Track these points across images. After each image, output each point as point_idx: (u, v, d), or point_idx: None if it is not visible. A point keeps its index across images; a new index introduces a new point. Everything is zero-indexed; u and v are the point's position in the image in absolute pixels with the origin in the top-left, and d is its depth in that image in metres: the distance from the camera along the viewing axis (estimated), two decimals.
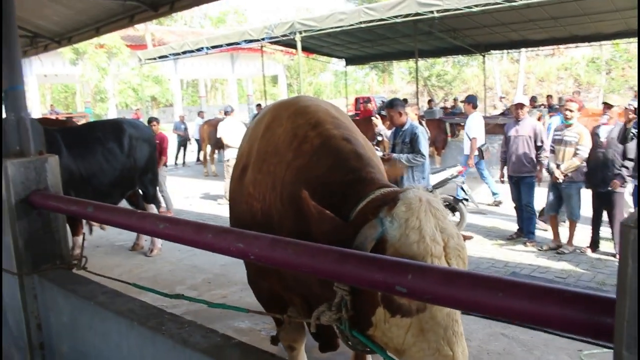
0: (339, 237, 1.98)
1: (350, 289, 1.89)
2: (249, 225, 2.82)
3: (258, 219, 2.78)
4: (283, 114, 2.93)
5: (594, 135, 6.71)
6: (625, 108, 6.64)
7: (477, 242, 7.29)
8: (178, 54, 16.68)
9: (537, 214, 7.50)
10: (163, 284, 5.94)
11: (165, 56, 17.40)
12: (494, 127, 13.40)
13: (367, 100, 29.90)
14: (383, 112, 10.90)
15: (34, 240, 3.18)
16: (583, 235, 7.31)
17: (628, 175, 6.37)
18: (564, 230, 7.06)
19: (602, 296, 1.12)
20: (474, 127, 9.61)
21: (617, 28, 15.80)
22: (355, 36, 16.67)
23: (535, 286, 1.20)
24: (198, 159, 18.26)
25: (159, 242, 7.26)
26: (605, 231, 6.83)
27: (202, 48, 15.63)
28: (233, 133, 10.47)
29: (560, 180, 6.79)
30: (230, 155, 10.44)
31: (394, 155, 6.30)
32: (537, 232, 7.26)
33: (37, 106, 30.10)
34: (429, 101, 22.14)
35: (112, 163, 6.50)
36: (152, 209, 7.56)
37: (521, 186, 7.21)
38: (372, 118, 8.22)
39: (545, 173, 7.27)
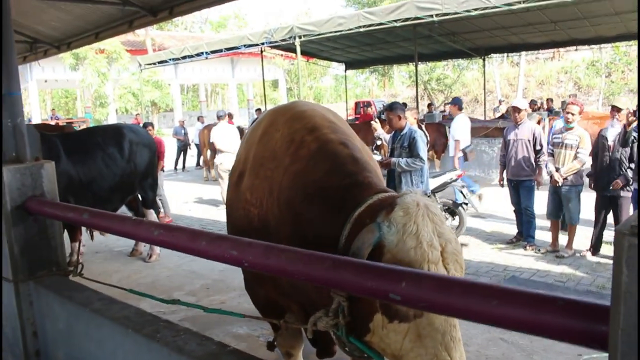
0: (343, 252, 2.00)
1: (348, 295, 1.89)
2: (246, 230, 2.81)
3: (255, 225, 2.77)
4: (280, 120, 2.93)
5: (602, 137, 6.67)
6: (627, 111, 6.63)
7: (476, 246, 7.27)
8: (178, 59, 16.71)
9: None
10: (161, 289, 5.92)
11: (165, 61, 17.43)
12: (493, 131, 13.40)
13: (368, 104, 29.91)
14: (383, 116, 10.90)
15: (30, 247, 3.16)
16: (582, 238, 7.30)
17: (631, 178, 6.34)
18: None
19: (597, 304, 1.11)
20: (459, 128, 9.62)
21: (616, 31, 15.82)
22: (355, 40, 16.69)
23: (530, 294, 1.19)
24: (198, 164, 18.26)
25: (157, 247, 7.24)
26: (607, 234, 6.79)
27: (202, 53, 15.67)
28: (226, 138, 10.47)
29: (560, 184, 6.77)
30: (223, 160, 10.43)
31: (393, 159, 6.29)
32: (537, 236, 7.23)
33: (37, 111, 30.14)
34: (429, 105, 22.08)
35: (112, 168, 6.50)
36: (152, 214, 7.55)
37: (520, 190, 7.20)
38: (371, 122, 8.21)
39: (545, 177, 7.25)
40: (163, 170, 9.47)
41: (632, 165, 6.32)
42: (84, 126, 22.60)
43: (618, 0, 11.77)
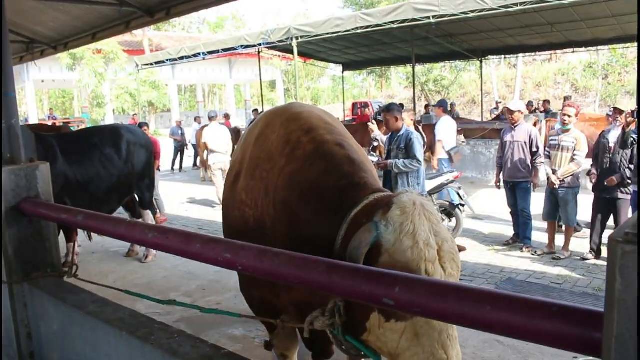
0: (339, 257, 2.00)
1: None
2: (241, 231, 2.81)
3: (250, 225, 2.77)
4: (276, 121, 2.93)
5: (603, 139, 6.66)
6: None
7: (473, 248, 7.27)
8: (175, 59, 16.70)
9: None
10: (157, 290, 5.90)
11: (162, 62, 17.41)
12: (490, 133, 13.42)
13: (365, 105, 29.91)
14: (379, 118, 10.90)
15: (24, 248, 3.15)
16: (578, 239, 7.32)
17: (628, 178, 6.32)
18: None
19: (591, 310, 1.10)
20: (443, 130, 9.74)
21: (613, 33, 15.85)
22: (352, 42, 16.70)
23: (523, 299, 1.18)
24: (195, 164, 18.24)
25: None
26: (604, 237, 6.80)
27: (199, 54, 15.65)
28: (218, 138, 10.60)
29: (557, 186, 6.78)
30: (216, 160, 10.56)
31: (390, 161, 6.28)
32: (534, 238, 7.24)
33: (34, 111, 30.08)
34: (426, 106, 22.11)
35: (110, 169, 6.48)
36: (148, 214, 7.54)
37: (517, 191, 7.19)
38: (369, 124, 8.21)
39: (541, 178, 7.25)
40: (159, 170, 9.46)
41: (632, 167, 6.32)
42: (82, 126, 22.54)
43: (615, 3, 11.79)
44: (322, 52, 19.04)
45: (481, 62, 22.37)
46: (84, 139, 6.59)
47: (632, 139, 6.32)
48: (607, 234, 6.69)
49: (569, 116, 6.77)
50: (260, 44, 13.93)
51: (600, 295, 5.45)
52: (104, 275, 6.52)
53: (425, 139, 11.28)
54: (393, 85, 43.82)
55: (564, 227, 7.14)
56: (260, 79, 19.86)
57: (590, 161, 7.10)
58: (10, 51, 3.44)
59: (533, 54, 24.27)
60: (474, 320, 1.24)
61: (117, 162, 6.59)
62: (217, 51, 15.26)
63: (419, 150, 6.17)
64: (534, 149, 7.02)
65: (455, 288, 1.32)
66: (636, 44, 16.98)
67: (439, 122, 9.98)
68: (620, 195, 6.40)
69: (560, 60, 35.12)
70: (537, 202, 7.43)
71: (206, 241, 2.00)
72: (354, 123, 19.16)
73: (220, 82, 41.83)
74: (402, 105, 7.28)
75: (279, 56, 27.90)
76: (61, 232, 6.25)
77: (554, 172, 6.81)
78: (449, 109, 20.89)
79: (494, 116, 19.61)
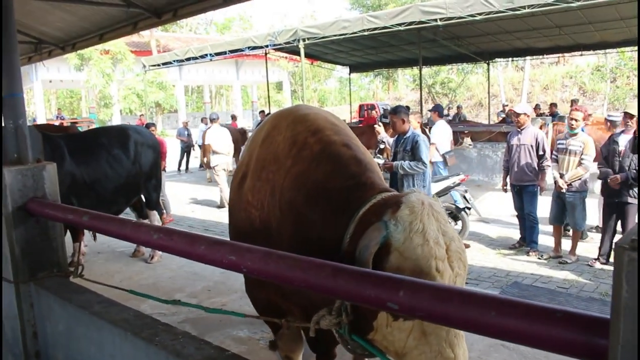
0: (347, 256, 2.02)
1: None
2: (247, 232, 2.82)
3: (256, 227, 2.78)
4: (282, 123, 2.94)
5: (613, 142, 6.61)
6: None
7: (479, 251, 7.25)
8: (182, 60, 16.72)
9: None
10: (163, 290, 5.92)
11: (170, 62, 17.44)
12: (496, 136, 13.38)
13: (372, 107, 29.89)
14: (385, 120, 10.90)
15: (31, 248, 3.16)
16: (584, 244, 7.29)
17: (633, 179, 6.26)
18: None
19: (596, 317, 1.10)
20: (438, 134, 9.86)
21: (622, 36, 15.77)
22: (359, 43, 16.69)
23: (528, 305, 1.18)
24: (201, 165, 18.27)
25: None
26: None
27: (206, 55, 15.68)
28: (220, 139, 10.76)
29: (564, 190, 6.75)
30: (219, 161, 10.74)
31: (395, 162, 6.28)
32: (540, 242, 7.21)
33: (42, 111, 30.22)
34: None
35: (117, 169, 6.49)
36: (155, 215, 7.56)
37: (523, 195, 7.17)
38: (375, 126, 8.20)
39: (549, 182, 7.22)
40: (165, 171, 9.49)
41: None
42: (92, 127, 22.61)
43: (624, 5, 11.72)
44: (329, 53, 19.03)
45: (488, 64, 22.32)
46: (92, 140, 6.62)
47: None
48: (617, 238, 6.65)
49: (577, 120, 6.75)
50: (267, 46, 13.94)
51: (607, 301, 5.42)
52: (109, 275, 6.54)
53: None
54: (400, 87, 43.79)
55: (571, 231, 7.11)
56: (267, 80, 19.89)
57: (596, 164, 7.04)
58: (18, 52, 3.46)
59: (541, 56, 24.14)
60: (479, 325, 1.23)
61: (125, 163, 6.60)
62: (224, 52, 15.27)
63: (425, 152, 6.16)
64: (541, 152, 6.99)
65: (459, 293, 1.31)
66: None
67: (434, 126, 10.12)
68: (629, 200, 6.33)
69: (568, 63, 35.00)
70: (544, 206, 7.40)
71: (211, 243, 2.00)
72: (361, 125, 19.13)
73: (227, 83, 41.90)
74: (408, 108, 7.25)
75: (286, 57, 27.97)
76: (67, 232, 6.29)
77: (562, 176, 6.78)
78: (444, 113, 20.93)
79: (500, 119, 19.53)
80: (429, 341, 1.84)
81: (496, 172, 12.45)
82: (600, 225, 7.88)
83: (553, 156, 7.01)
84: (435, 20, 10.89)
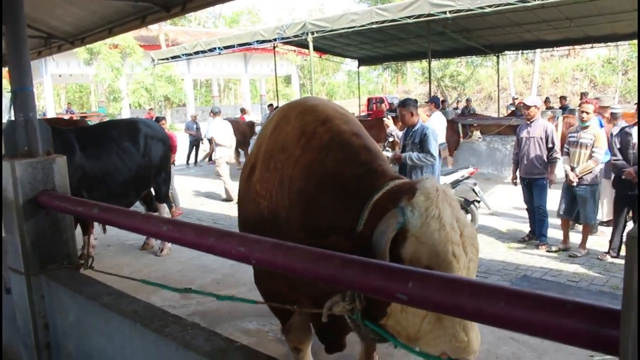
0: (360, 242, 2.04)
1: None
2: (256, 222, 2.83)
3: (265, 217, 2.79)
4: (291, 114, 2.97)
5: (625, 134, 6.53)
6: None
7: (488, 244, 7.23)
8: (190, 54, 16.73)
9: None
10: (172, 283, 5.92)
11: (178, 56, 17.46)
12: (506, 129, 13.31)
13: (380, 100, 29.83)
14: (392, 114, 10.86)
15: (41, 241, 3.19)
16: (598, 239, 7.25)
17: None
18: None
19: (607, 308, 1.09)
20: (433, 125, 9.70)
21: (633, 28, 15.59)
22: (368, 37, 16.63)
23: (538, 296, 1.17)
24: (210, 159, 18.29)
25: (168, 242, 7.27)
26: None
27: (215, 48, 15.67)
28: (223, 132, 10.99)
29: (575, 183, 6.70)
30: (222, 154, 10.98)
31: (403, 154, 6.26)
32: (550, 235, 7.17)
33: (51, 105, 30.38)
34: (442, 102, 22.00)
35: (128, 163, 6.51)
36: (164, 208, 7.59)
37: (533, 188, 7.12)
38: (384, 119, 8.18)
39: (559, 175, 7.18)
40: (174, 164, 9.53)
41: None
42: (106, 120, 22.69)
43: None
44: (337, 47, 18.98)
45: (498, 57, 22.18)
46: (102, 133, 6.64)
47: None
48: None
49: (587, 113, 6.69)
50: (275, 39, 13.91)
51: (617, 294, 5.38)
52: (119, 268, 6.58)
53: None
54: (409, 80, 43.64)
55: (577, 225, 7.07)
56: (276, 74, 19.88)
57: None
58: (28, 46, 3.48)
59: (551, 49, 23.97)
60: (488, 316, 1.23)
61: (135, 156, 6.63)
62: (233, 46, 15.26)
63: (434, 145, 6.13)
64: (550, 145, 6.94)
65: (469, 284, 1.31)
66: None
67: (430, 118, 10.00)
68: None
69: (579, 55, 34.74)
70: (554, 199, 7.36)
71: (220, 234, 2.00)
72: (369, 119, 19.08)
73: (235, 76, 41.91)
74: (416, 101, 7.22)
75: (295, 51, 27.92)
76: (77, 225, 6.33)
77: (573, 169, 6.73)
78: (454, 107, 20.79)
79: (509, 112, 19.42)
80: (443, 325, 1.88)
81: (505, 165, 12.40)
82: (603, 220, 7.85)
83: (564, 149, 6.96)
84: (445, 12, 10.81)
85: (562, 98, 18.06)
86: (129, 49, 28.45)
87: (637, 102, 7.66)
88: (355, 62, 23.27)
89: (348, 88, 49.11)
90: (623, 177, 6.30)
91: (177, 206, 9.39)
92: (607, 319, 1.07)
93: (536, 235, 7.22)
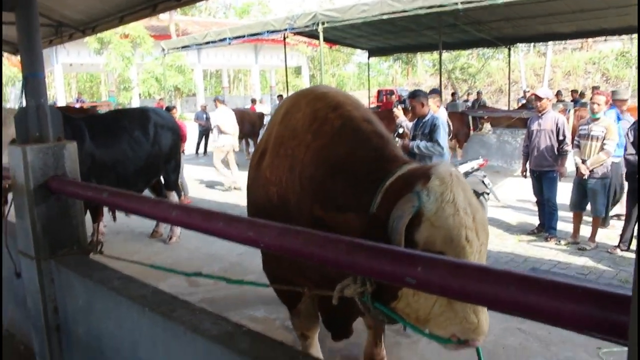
0: (373, 224, 2.06)
1: None
2: (265, 208, 2.84)
3: (274, 203, 2.81)
4: (302, 101, 2.99)
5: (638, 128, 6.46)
6: None
7: (497, 237, 7.21)
8: (201, 44, 16.70)
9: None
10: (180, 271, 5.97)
11: (188, 46, 17.43)
12: (516, 121, 13.23)
13: (390, 92, 29.73)
14: (401, 106, 10.80)
15: (51, 225, 3.22)
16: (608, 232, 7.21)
17: None
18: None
19: (617, 293, 1.08)
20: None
21: None
22: (379, 28, 16.52)
23: (547, 281, 1.17)
24: None
25: (177, 230, 7.31)
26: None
27: (225, 38, 15.63)
28: (227, 120, 11.20)
29: (586, 176, 6.66)
30: (226, 142, 11.16)
31: (411, 142, 6.23)
32: (559, 228, 7.13)
33: (62, 95, 30.52)
34: (452, 94, 21.93)
35: (137, 151, 6.54)
36: (174, 196, 7.62)
37: (543, 181, 7.08)
38: (394, 109, 8.15)
39: (569, 168, 7.13)
40: (183, 154, 9.57)
41: None
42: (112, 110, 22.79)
43: None
44: (348, 38, 18.90)
45: (509, 50, 21.97)
46: (112, 121, 6.67)
47: None
48: None
49: (598, 104, 6.64)
50: (286, 29, 13.86)
51: (626, 288, 5.34)
52: (128, 255, 6.50)
53: (451, 126, 11.18)
54: (419, 72, 43.42)
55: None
56: (286, 65, 19.81)
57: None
58: (40, 32, 3.49)
59: (563, 42, 23.72)
60: (497, 301, 1.23)
61: (145, 144, 6.65)
62: (243, 36, 15.21)
63: (442, 135, 6.08)
64: (561, 137, 6.89)
65: (477, 269, 1.31)
66: None
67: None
68: None
69: (592, 49, 34.38)
70: (564, 192, 7.32)
71: (229, 219, 2.01)
72: (379, 110, 19.02)
73: (245, 67, 41.92)
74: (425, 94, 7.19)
75: (305, 42, 27.88)
76: (87, 212, 6.37)
77: (584, 161, 6.68)
78: (464, 99, 20.59)
79: (520, 105, 19.28)
80: (454, 308, 1.91)
81: (515, 158, 12.33)
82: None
83: (575, 142, 6.91)
84: (456, 3, 10.71)
85: (574, 92, 17.95)
86: (139, 38, 28.51)
87: (638, 98, 7.56)
88: (366, 54, 23.16)
89: (358, 80, 48.92)
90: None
91: (186, 195, 9.43)
92: (616, 304, 1.06)
93: (545, 228, 7.19)
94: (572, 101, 16.05)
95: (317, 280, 2.63)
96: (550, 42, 24.05)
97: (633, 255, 6.28)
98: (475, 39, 18.81)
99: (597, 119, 6.66)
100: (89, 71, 42.25)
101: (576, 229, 6.91)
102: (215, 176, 12.16)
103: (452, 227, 1.90)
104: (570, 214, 7.12)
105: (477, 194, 7.41)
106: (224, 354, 1.98)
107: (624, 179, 6.89)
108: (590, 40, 26.25)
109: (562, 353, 3.91)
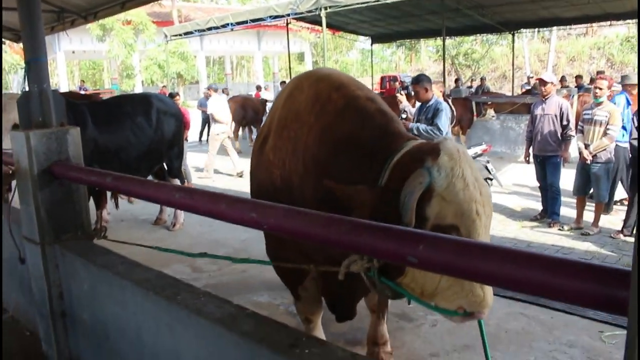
0: (383, 199, 2.08)
1: None
2: (268, 191, 2.85)
3: (277, 185, 2.82)
4: (304, 83, 2.99)
5: None
6: None
7: (500, 222, 7.21)
8: (203, 30, 16.66)
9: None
10: (184, 257, 5.98)
11: (191, 32, 17.40)
12: (520, 107, 13.17)
13: (394, 79, 29.59)
14: (404, 91, 10.77)
15: (55, 211, 3.23)
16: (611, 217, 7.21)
17: None
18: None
19: (617, 268, 1.08)
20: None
21: None
22: (382, 13, 16.43)
23: (548, 258, 1.17)
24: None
25: (181, 216, 7.33)
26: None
27: (227, 24, 15.59)
28: (222, 108, 11.29)
29: (589, 161, 6.64)
30: (220, 130, 11.30)
31: (411, 124, 6.21)
32: (562, 213, 7.13)
33: (65, 82, 30.50)
34: (456, 80, 21.80)
35: (140, 137, 6.53)
36: (177, 182, 7.63)
37: (546, 166, 7.06)
38: (397, 95, 8.13)
39: (573, 153, 7.10)
40: (187, 140, 9.57)
41: None
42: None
43: None
44: (351, 23, 18.81)
45: (513, 35, 21.83)
46: (115, 107, 6.66)
47: None
48: None
49: (601, 89, 6.60)
50: (288, 14, 13.81)
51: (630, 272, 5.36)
52: (132, 241, 6.63)
53: (455, 113, 11.14)
54: (422, 58, 43.23)
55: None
56: (289, 51, 19.74)
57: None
58: (42, 17, 3.48)
59: (568, 27, 23.54)
60: (499, 278, 1.23)
61: (147, 130, 6.64)
62: (246, 22, 15.17)
63: (443, 120, 6.05)
64: (565, 122, 6.86)
65: (480, 246, 1.31)
66: None
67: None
68: None
69: (596, 34, 34.12)
70: (567, 178, 7.30)
71: (232, 201, 2.01)
72: (383, 97, 18.93)
73: (248, 53, 41.79)
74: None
75: (308, 28, 27.68)
76: (91, 200, 6.39)
77: (587, 146, 6.66)
78: (467, 85, 20.41)
79: (524, 90, 19.17)
80: (461, 282, 1.94)
81: (519, 143, 12.29)
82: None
83: (579, 127, 6.88)
84: None
85: (578, 77, 17.80)
86: (141, 25, 28.44)
87: (638, 85, 7.49)
88: (369, 40, 23.05)
89: (361, 66, 48.74)
90: None
91: (190, 182, 9.45)
92: (616, 280, 1.06)
93: (548, 213, 7.18)
94: (576, 87, 15.95)
95: (321, 262, 2.64)
96: (554, 28, 23.89)
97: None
98: (478, 25, 18.66)
99: (600, 104, 6.63)
100: (92, 58, 42.19)
101: (579, 214, 6.90)
102: (219, 163, 12.18)
103: (463, 202, 1.94)
104: (574, 200, 7.12)
105: None
106: (227, 336, 1.99)
107: (629, 164, 6.86)
108: (595, 25, 26.03)
109: (565, 337, 3.92)
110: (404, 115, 8.33)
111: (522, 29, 22.10)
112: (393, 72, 37.62)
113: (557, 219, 7.03)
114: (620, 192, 7.73)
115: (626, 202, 7.24)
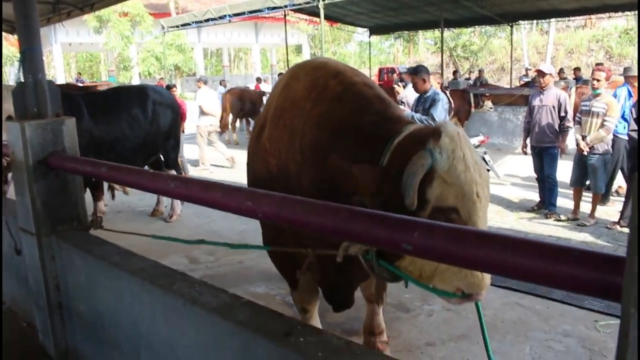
0: (385, 179, 2.09)
1: None
2: (265, 180, 2.85)
3: (274, 174, 2.82)
4: (300, 72, 2.99)
5: None
6: None
7: (497, 213, 7.22)
8: (201, 21, 16.60)
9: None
10: (181, 248, 5.97)
11: (188, 24, 17.34)
12: (518, 99, 13.16)
13: (392, 70, 29.55)
14: (401, 83, 10.73)
15: (51, 202, 3.22)
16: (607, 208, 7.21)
17: None
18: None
19: (612, 255, 1.08)
20: (410, 94, 9.55)
21: None
22: (380, 4, 16.39)
23: (545, 244, 1.17)
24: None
25: (178, 208, 7.32)
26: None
27: (225, 16, 15.54)
28: (211, 101, 11.36)
29: (586, 152, 6.64)
30: (209, 122, 11.32)
31: (406, 112, 6.19)
32: (559, 204, 7.14)
33: (61, 74, 30.38)
34: (454, 72, 21.77)
35: (136, 129, 6.51)
36: (174, 174, 7.62)
37: (544, 157, 7.06)
38: (394, 86, 8.11)
39: (570, 145, 7.10)
40: (183, 132, 9.55)
41: None
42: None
43: None
44: (349, 15, 18.75)
45: (512, 27, 21.77)
46: (111, 98, 6.64)
47: None
48: None
49: (599, 80, 6.59)
50: (286, 6, 13.77)
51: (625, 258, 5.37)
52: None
53: (452, 104, 11.12)
54: (420, 50, 43.14)
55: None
56: (286, 43, 19.69)
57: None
58: (37, 7, 3.45)
59: (566, 19, 23.47)
60: (495, 265, 1.23)
61: (143, 122, 6.62)
62: (243, 13, 15.11)
63: (440, 110, 6.02)
64: (562, 114, 6.85)
65: (475, 233, 1.31)
66: None
67: (407, 88, 9.87)
68: None
69: (595, 26, 34.05)
70: (564, 169, 7.30)
71: (227, 190, 2.01)
72: None
73: (246, 46, 41.67)
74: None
75: (306, 20, 27.61)
76: (87, 191, 6.37)
77: (584, 138, 6.66)
78: (465, 77, 20.31)
79: (522, 83, 19.14)
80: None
81: (516, 135, 12.30)
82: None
83: (576, 118, 6.88)
84: None
85: (577, 69, 17.78)
86: (138, 17, 28.31)
87: (638, 77, 7.49)
88: (367, 32, 22.99)
89: (359, 58, 48.61)
90: None
91: (187, 173, 9.45)
92: (611, 266, 1.06)
93: (545, 204, 7.19)
94: (574, 79, 15.93)
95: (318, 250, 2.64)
96: (552, 20, 23.82)
97: None
98: (477, 16, 18.61)
99: (598, 95, 6.62)
100: (89, 51, 42.03)
101: (576, 206, 6.91)
102: (215, 155, 12.15)
103: (464, 183, 1.95)
104: (571, 191, 7.12)
105: None
106: (222, 325, 1.99)
107: (627, 155, 6.86)
108: (593, 17, 25.98)
109: (560, 326, 3.94)
110: (402, 106, 8.31)
111: (520, 21, 22.04)
112: (391, 64, 37.55)
113: (554, 210, 7.04)
114: (618, 181, 7.74)
115: (621, 191, 7.25)
